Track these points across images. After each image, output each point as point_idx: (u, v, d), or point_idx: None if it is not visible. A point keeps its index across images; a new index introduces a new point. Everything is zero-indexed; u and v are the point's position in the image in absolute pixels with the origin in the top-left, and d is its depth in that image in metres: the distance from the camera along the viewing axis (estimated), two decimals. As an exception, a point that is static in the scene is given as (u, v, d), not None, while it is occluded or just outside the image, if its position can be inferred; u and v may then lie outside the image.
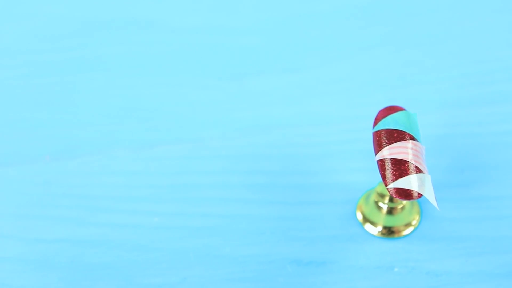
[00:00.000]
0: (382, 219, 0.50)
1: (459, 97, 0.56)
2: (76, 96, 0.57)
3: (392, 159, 0.44)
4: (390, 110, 0.47)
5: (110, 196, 0.52)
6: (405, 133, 0.45)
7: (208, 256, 0.49)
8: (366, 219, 0.50)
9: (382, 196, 0.50)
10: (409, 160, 0.44)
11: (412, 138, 0.45)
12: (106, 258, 0.50)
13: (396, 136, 0.45)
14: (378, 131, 0.46)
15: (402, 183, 0.44)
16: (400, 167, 0.44)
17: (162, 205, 0.52)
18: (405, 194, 0.44)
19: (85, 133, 0.55)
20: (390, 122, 0.46)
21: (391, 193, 0.44)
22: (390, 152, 0.45)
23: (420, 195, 0.44)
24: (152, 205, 0.52)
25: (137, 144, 0.55)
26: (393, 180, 0.44)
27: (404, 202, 0.50)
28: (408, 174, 0.44)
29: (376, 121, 0.46)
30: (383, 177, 0.44)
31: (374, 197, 0.50)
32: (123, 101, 0.57)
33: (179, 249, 0.50)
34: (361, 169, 0.53)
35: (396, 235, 0.50)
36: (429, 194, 0.44)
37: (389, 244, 0.50)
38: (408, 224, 0.50)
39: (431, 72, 0.58)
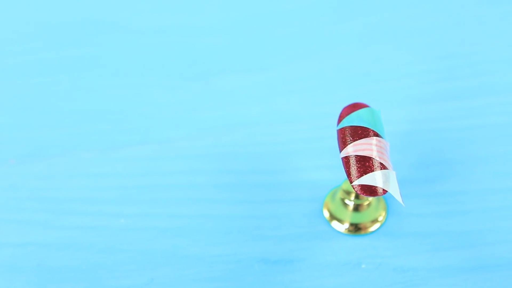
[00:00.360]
0: (349, 216, 0.50)
1: (423, 93, 0.57)
2: (40, 98, 0.57)
3: (356, 156, 0.45)
4: (354, 107, 0.47)
5: (76, 199, 0.52)
6: (370, 130, 0.45)
7: (175, 257, 0.49)
8: (332, 217, 0.50)
9: (348, 193, 0.50)
10: (373, 157, 0.44)
11: (377, 134, 0.45)
12: (73, 260, 0.49)
13: (360, 133, 0.45)
14: (343, 128, 0.46)
15: (366, 179, 0.44)
16: (365, 164, 0.44)
17: (128, 207, 0.52)
18: (370, 190, 0.44)
19: (50, 136, 0.55)
20: (355, 119, 0.46)
21: (356, 190, 0.44)
22: (354, 149, 0.45)
23: (385, 191, 0.44)
24: (119, 206, 0.52)
25: (102, 146, 0.54)
26: (358, 177, 0.44)
27: (370, 198, 0.50)
28: (372, 171, 0.44)
29: (340, 118, 0.46)
30: (348, 174, 0.44)
31: (340, 194, 0.50)
32: (88, 103, 0.57)
33: (146, 250, 0.50)
34: (328, 167, 0.53)
35: (363, 232, 0.50)
36: (394, 190, 0.44)
37: (356, 241, 0.50)
38: (374, 221, 0.50)
39: (395, 69, 0.58)
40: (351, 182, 0.44)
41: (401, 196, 0.44)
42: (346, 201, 0.50)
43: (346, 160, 0.45)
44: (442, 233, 0.50)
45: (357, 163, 0.44)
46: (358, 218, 0.50)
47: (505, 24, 0.61)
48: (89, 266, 0.49)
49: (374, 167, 0.44)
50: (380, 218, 0.51)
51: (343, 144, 0.45)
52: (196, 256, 0.49)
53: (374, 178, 0.44)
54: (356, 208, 0.50)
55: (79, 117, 0.56)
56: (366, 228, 0.50)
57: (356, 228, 0.50)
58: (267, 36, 0.60)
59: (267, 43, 0.60)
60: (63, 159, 0.54)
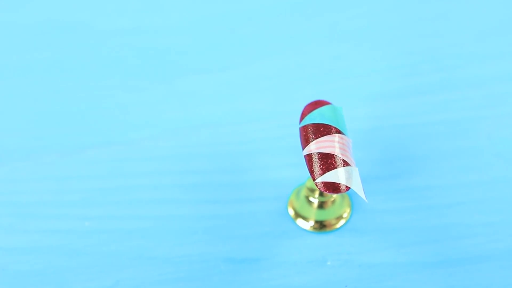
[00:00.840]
0: (314, 213, 0.50)
1: (386, 89, 0.57)
2: (1, 102, 0.57)
3: (319, 153, 0.45)
4: (316, 104, 0.47)
5: (40, 202, 0.51)
6: (332, 127, 0.45)
7: (141, 258, 0.49)
8: (297, 215, 0.50)
9: (312, 190, 0.50)
10: (336, 154, 0.45)
11: (339, 131, 0.45)
12: (38, 265, 0.49)
13: (322, 130, 0.45)
14: (305, 126, 0.46)
15: (329, 176, 0.44)
16: (327, 161, 0.44)
17: (93, 209, 0.51)
18: (333, 187, 0.44)
19: (13, 140, 0.54)
20: (317, 117, 0.46)
21: (319, 187, 0.44)
22: (317, 146, 0.45)
23: (347, 188, 0.44)
24: (83, 209, 0.51)
25: (66, 148, 0.54)
26: (321, 174, 0.44)
27: (334, 195, 0.50)
28: (335, 168, 0.44)
29: (302, 116, 0.46)
30: (311, 172, 0.44)
31: (304, 192, 0.50)
32: (51, 105, 0.56)
33: (112, 252, 0.49)
34: (292, 165, 0.53)
35: (328, 229, 0.50)
36: (357, 187, 0.44)
37: (322, 238, 0.50)
38: (339, 217, 0.50)
39: (358, 66, 0.58)
40: (314, 180, 0.44)
41: (364, 192, 0.44)
42: (311, 198, 0.50)
43: (308, 158, 0.45)
44: (406, 229, 0.50)
45: (319, 160, 0.44)
46: (323, 215, 0.50)
47: (466, 20, 0.61)
48: (54, 269, 0.49)
49: (337, 164, 0.44)
50: (345, 215, 0.51)
51: (305, 141, 0.45)
52: (162, 257, 0.49)
53: (336, 175, 0.44)
54: (321, 205, 0.50)
55: (41, 120, 0.56)
56: (331, 225, 0.50)
57: (321, 226, 0.50)
58: (230, 36, 0.60)
59: (229, 43, 0.60)
60: (26, 163, 0.53)
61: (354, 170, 0.45)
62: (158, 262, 0.49)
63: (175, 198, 0.52)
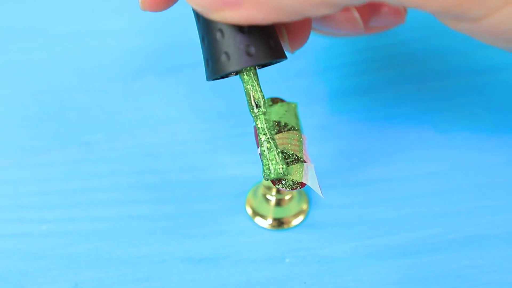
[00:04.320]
0: (271, 211, 0.50)
1: (343, 86, 0.57)
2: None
3: (274, 150, 0.45)
4: (271, 102, 0.47)
5: (-4, 207, 0.51)
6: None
7: (99, 260, 0.49)
8: (255, 213, 0.50)
9: (269, 188, 0.50)
10: (291, 150, 0.45)
11: (293, 128, 0.46)
12: (-5, 269, 0.49)
13: (277, 127, 0.45)
14: (260, 123, 0.46)
15: (285, 173, 0.44)
16: (283, 158, 0.45)
17: (50, 212, 0.51)
18: (288, 184, 0.44)
19: (-33, 144, 0.54)
20: (271, 114, 0.46)
21: (274, 183, 0.44)
22: (272, 143, 0.45)
23: (303, 184, 0.44)
24: (40, 212, 0.51)
25: (21, 152, 0.54)
26: (276, 171, 0.44)
27: (288, 192, 0.50)
28: (290, 164, 0.44)
29: (257, 114, 0.46)
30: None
31: (261, 190, 0.50)
32: (5, 109, 0.56)
33: (70, 255, 0.49)
34: (250, 162, 0.53)
35: (286, 226, 0.50)
36: (313, 182, 0.44)
37: (280, 235, 0.50)
38: (297, 214, 0.51)
39: (315, 63, 0.58)
40: (269, 177, 0.44)
41: (320, 188, 0.45)
42: (268, 196, 0.50)
43: (264, 155, 0.45)
44: (364, 222, 0.50)
45: (275, 157, 0.45)
46: (281, 212, 0.50)
47: (414, 17, 0.62)
48: (11, 274, 0.48)
49: (292, 160, 0.44)
50: (303, 211, 0.51)
51: (260, 139, 0.45)
52: (120, 258, 0.49)
53: (292, 172, 0.44)
54: (278, 203, 0.50)
55: (-4, 124, 0.55)
56: (289, 222, 0.50)
57: (279, 223, 0.50)
58: (185, 37, 0.60)
59: (184, 44, 0.60)
60: (-19, 167, 0.53)
61: (310, 166, 0.45)
62: (116, 263, 0.49)
63: (132, 198, 0.51)
